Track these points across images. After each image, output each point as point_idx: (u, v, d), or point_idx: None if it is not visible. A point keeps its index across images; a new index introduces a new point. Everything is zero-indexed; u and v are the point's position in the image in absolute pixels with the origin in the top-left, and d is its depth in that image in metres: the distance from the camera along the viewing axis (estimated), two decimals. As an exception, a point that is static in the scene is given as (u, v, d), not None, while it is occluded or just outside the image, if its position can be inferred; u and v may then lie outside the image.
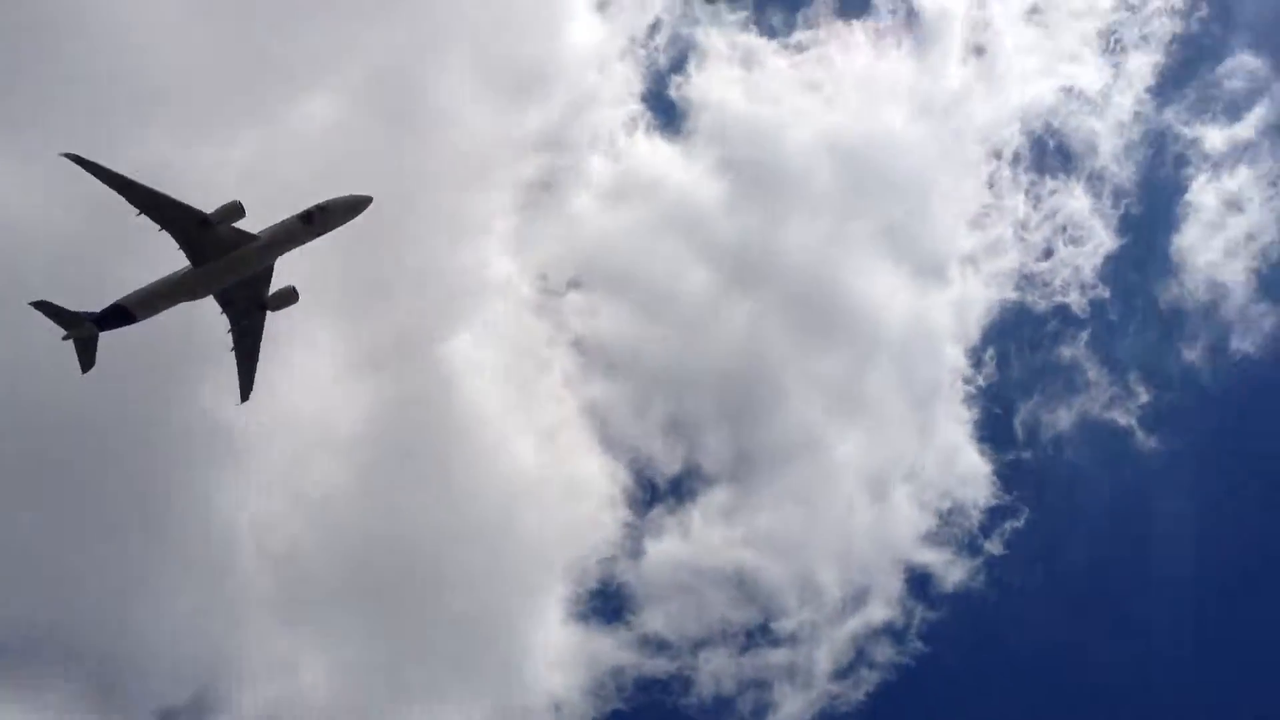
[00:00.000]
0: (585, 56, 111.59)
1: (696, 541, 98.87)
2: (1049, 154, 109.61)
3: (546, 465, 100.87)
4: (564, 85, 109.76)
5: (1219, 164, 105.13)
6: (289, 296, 74.83)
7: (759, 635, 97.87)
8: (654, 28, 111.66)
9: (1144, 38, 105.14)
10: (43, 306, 69.74)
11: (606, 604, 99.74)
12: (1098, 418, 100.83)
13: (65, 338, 70.36)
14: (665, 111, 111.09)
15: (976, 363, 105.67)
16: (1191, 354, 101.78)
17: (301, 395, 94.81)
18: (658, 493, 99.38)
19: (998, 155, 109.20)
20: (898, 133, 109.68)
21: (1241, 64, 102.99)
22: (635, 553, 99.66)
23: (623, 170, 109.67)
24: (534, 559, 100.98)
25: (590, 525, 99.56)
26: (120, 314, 70.83)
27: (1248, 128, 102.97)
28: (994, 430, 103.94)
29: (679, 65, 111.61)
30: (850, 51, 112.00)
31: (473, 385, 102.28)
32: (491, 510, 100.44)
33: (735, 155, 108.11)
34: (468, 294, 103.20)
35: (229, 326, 73.70)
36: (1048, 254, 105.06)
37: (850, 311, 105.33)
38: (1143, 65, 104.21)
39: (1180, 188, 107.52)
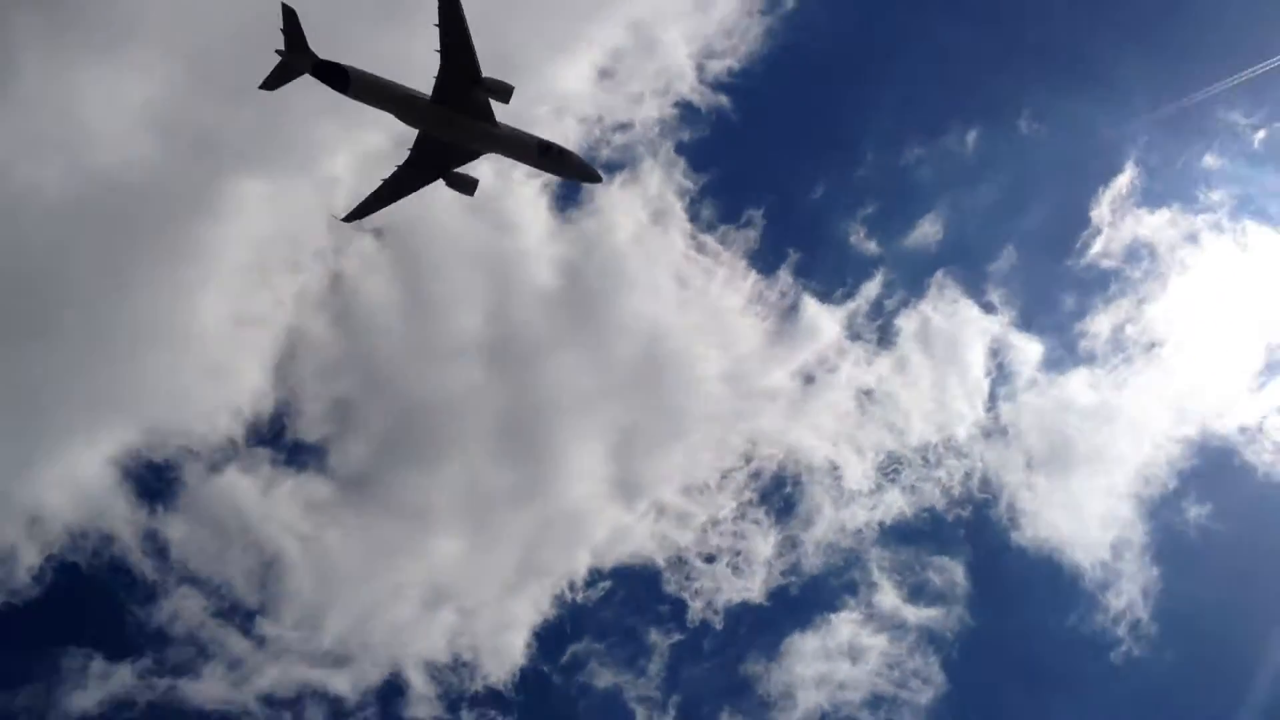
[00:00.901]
0: None
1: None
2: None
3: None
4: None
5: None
6: (468, 185, 72.71)
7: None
8: None
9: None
10: (290, 15, 64.44)
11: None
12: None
13: (279, 52, 65.56)
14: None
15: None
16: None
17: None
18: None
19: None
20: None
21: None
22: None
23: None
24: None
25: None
26: (339, 76, 66.73)
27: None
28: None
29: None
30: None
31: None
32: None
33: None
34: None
35: (404, 160, 71.92)
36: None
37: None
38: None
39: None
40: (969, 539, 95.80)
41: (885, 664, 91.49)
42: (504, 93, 67.58)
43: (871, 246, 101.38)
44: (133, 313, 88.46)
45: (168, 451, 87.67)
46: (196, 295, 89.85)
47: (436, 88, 67.29)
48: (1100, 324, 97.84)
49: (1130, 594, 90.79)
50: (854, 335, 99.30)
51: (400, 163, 71.92)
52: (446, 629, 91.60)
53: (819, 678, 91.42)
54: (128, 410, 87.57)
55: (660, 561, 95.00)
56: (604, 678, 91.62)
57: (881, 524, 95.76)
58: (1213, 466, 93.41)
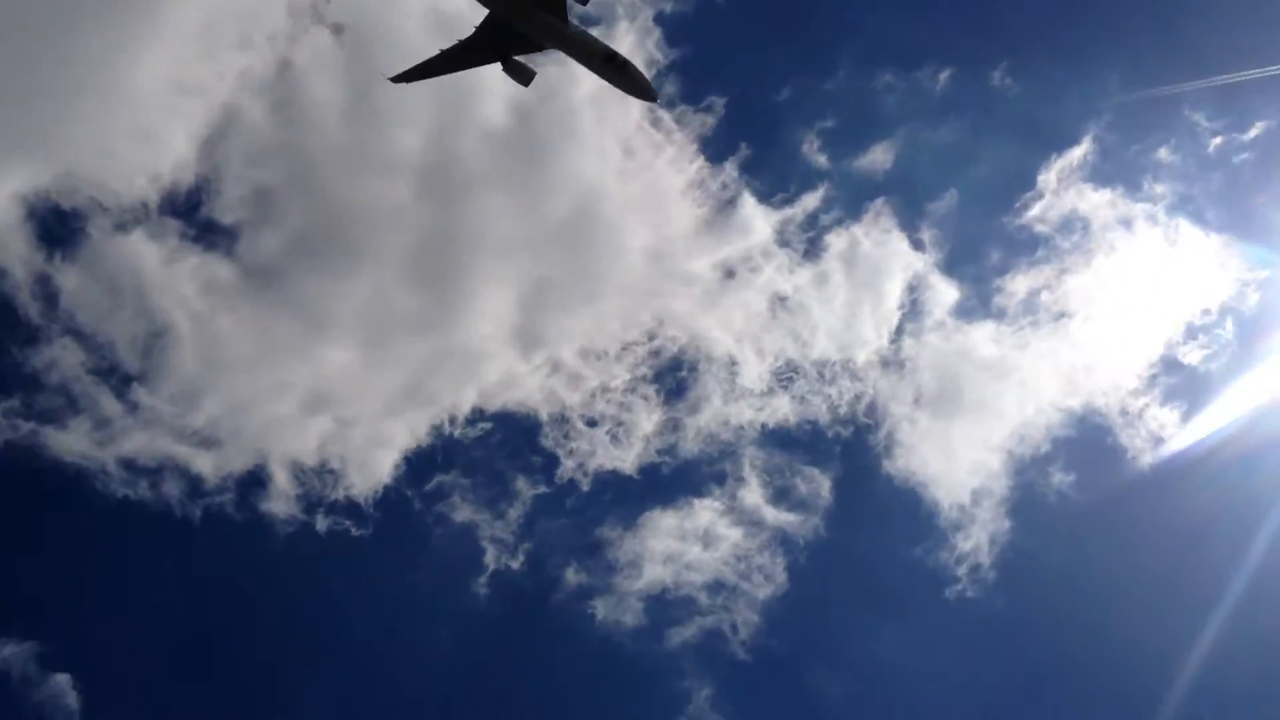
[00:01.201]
0: None
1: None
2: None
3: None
4: None
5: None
6: (524, 75, 72.30)
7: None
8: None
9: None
10: None
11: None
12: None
13: None
14: None
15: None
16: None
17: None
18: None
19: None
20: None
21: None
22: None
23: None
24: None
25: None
26: None
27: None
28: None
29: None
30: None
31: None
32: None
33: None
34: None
35: (468, 35, 71.30)
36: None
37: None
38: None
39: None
40: (842, 458, 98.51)
41: (735, 555, 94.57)
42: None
43: (821, 160, 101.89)
44: (70, 56, 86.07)
45: (77, 200, 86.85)
46: (138, 52, 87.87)
47: None
48: (1019, 284, 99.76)
49: (978, 540, 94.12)
50: (783, 242, 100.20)
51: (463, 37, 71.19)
52: (320, 435, 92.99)
53: (669, 555, 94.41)
54: (46, 151, 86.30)
55: (544, 415, 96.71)
56: (463, 513, 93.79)
57: (764, 426, 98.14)
58: (1086, 441, 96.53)
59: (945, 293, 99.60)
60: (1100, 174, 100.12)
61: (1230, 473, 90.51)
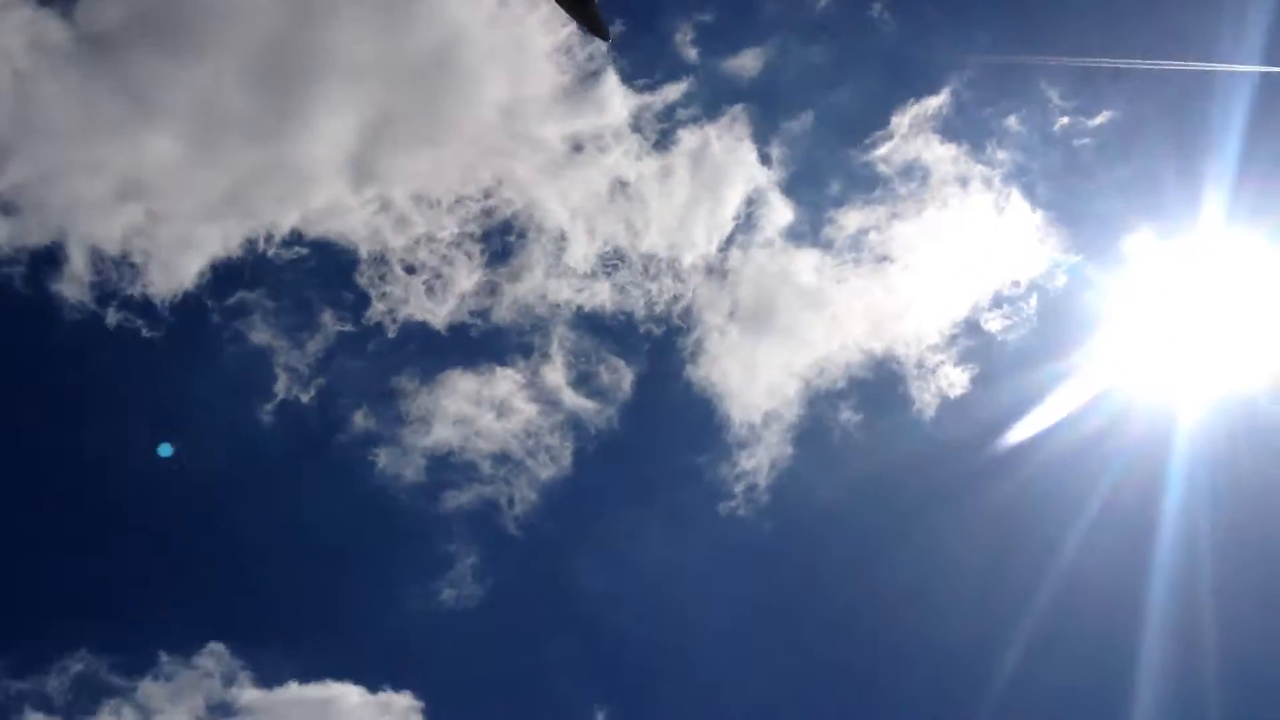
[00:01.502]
0: None
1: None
2: None
3: None
4: None
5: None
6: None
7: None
8: None
9: None
10: None
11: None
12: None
13: None
14: None
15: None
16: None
17: None
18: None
19: None
20: None
21: None
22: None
23: None
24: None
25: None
26: None
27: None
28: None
29: None
30: None
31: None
32: None
33: None
34: None
35: None
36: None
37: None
38: None
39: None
40: (649, 355, 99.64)
41: (525, 431, 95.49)
42: None
43: (691, 54, 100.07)
44: None
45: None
46: None
47: None
48: (851, 220, 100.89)
49: (760, 461, 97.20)
50: (637, 127, 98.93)
51: None
52: (128, 224, 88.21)
53: (461, 417, 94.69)
54: None
55: (363, 253, 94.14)
56: (260, 335, 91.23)
57: (580, 308, 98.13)
58: (880, 385, 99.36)
59: (781, 213, 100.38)
60: (950, 128, 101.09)
61: (999, 443, 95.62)
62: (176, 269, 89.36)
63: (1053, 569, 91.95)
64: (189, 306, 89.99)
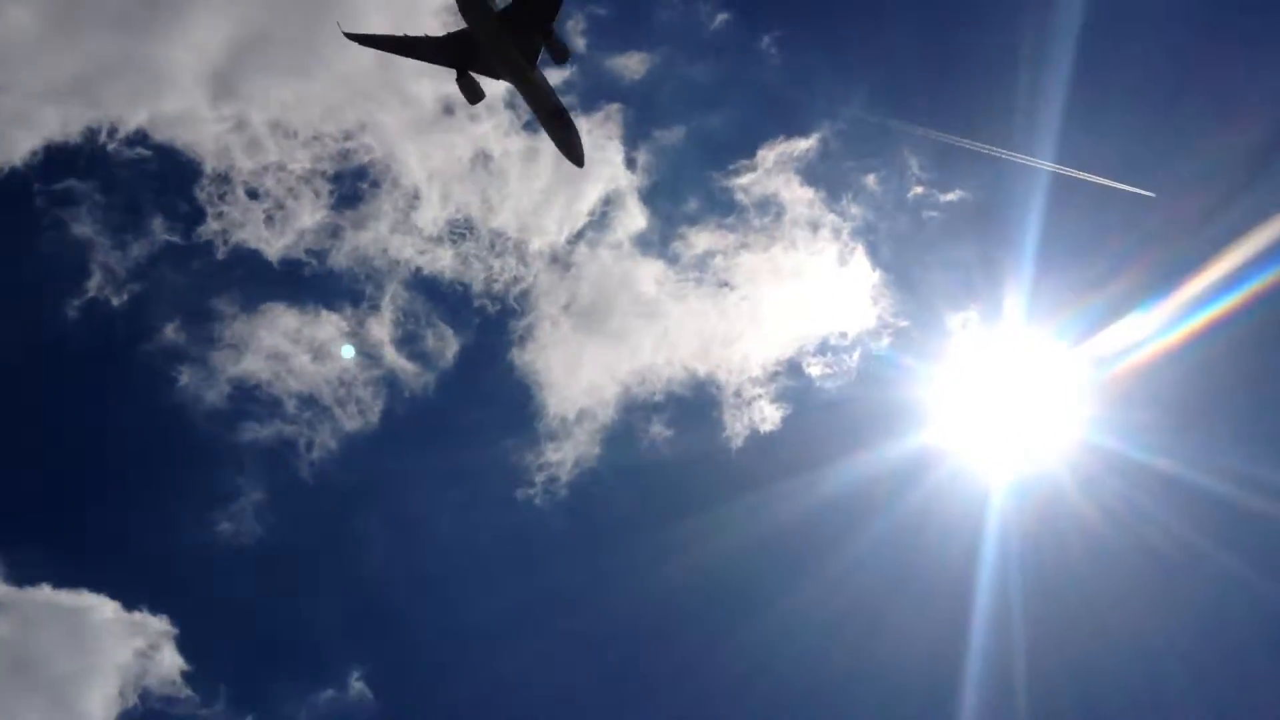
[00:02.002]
0: None
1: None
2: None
3: None
4: None
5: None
6: (474, 93, 69.72)
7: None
8: None
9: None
10: None
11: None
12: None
13: None
14: None
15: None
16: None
17: None
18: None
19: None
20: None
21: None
22: None
23: None
24: None
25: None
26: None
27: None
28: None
29: None
30: None
31: None
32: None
33: None
34: None
35: (438, 35, 68.63)
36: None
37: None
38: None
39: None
40: (479, 329, 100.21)
41: (340, 379, 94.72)
42: (562, 55, 68.30)
43: (579, 43, 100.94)
44: None
45: None
46: None
47: (507, 8, 65.73)
48: (700, 240, 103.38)
49: (566, 456, 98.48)
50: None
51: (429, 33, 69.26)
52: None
53: (276, 352, 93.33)
54: None
55: (208, 168, 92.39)
56: (85, 228, 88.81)
57: (419, 269, 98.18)
58: (696, 405, 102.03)
59: (635, 219, 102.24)
60: (812, 173, 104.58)
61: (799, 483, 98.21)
62: (8, 143, 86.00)
63: (838, 600, 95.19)
64: (13, 183, 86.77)
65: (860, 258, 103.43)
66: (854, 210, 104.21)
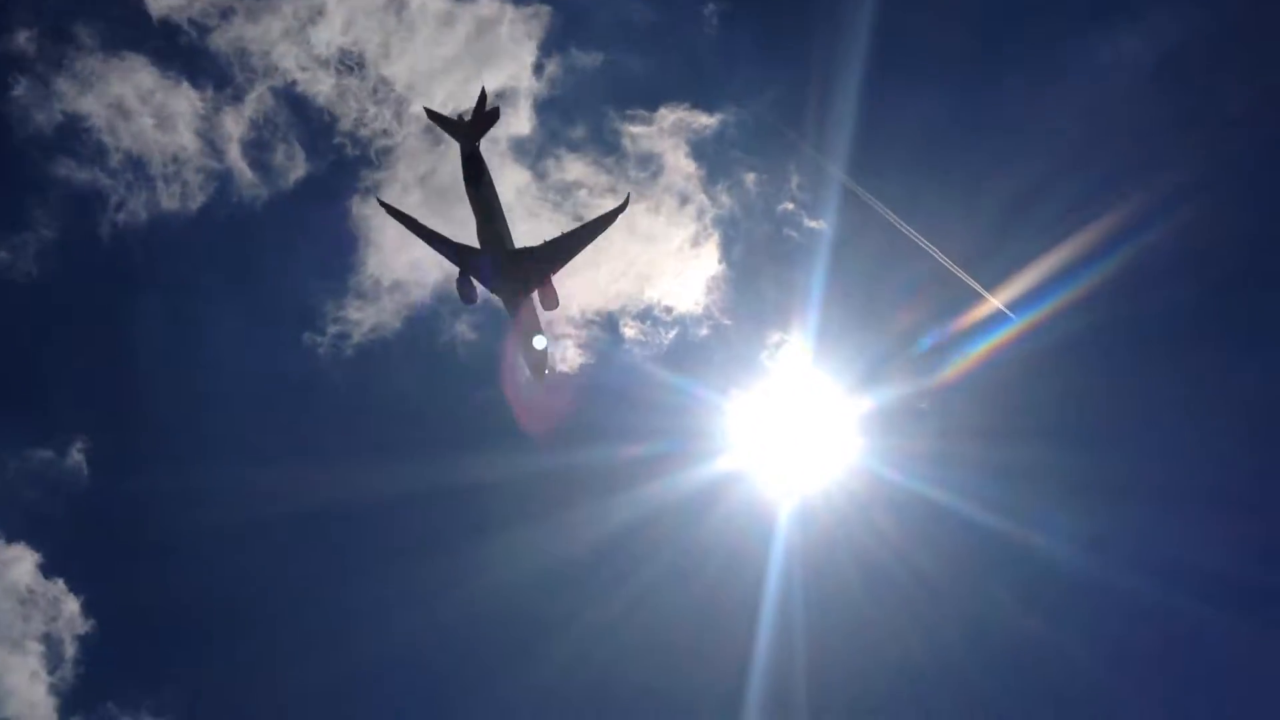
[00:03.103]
0: None
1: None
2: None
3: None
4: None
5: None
6: (467, 294, 73.57)
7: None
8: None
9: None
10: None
11: None
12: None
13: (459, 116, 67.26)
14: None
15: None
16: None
17: None
18: None
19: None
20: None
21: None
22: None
23: None
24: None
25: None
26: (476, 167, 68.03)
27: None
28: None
29: None
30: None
31: None
32: None
33: None
34: None
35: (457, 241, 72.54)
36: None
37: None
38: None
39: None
40: (330, 166, 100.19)
41: (175, 156, 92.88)
42: (552, 303, 73.37)
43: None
44: None
45: None
46: None
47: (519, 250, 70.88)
48: (574, 169, 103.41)
49: (365, 320, 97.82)
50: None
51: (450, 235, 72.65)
52: None
53: (122, 105, 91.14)
54: None
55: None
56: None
57: (294, 83, 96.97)
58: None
59: (521, 122, 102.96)
60: (701, 149, 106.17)
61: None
62: None
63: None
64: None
65: (713, 246, 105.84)
66: (725, 200, 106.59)
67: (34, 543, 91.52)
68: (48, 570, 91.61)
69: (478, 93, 66.15)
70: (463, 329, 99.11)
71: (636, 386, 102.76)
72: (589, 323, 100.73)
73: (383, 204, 73.57)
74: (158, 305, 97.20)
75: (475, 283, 73.32)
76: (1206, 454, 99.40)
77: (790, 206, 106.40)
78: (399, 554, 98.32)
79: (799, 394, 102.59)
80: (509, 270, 72.02)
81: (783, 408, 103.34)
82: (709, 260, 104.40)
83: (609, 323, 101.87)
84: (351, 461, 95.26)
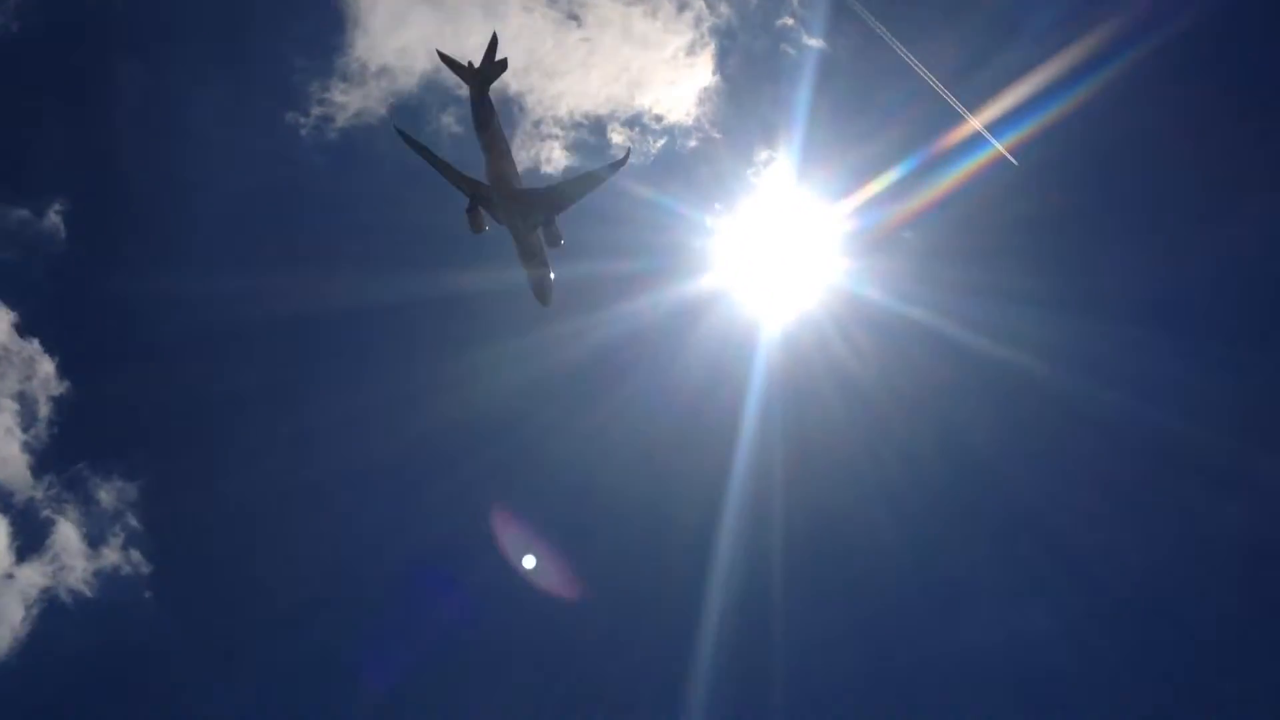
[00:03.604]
0: None
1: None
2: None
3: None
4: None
5: None
6: (475, 222, 73.23)
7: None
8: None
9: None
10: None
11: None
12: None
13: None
14: None
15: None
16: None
17: None
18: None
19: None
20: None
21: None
22: None
23: None
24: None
25: None
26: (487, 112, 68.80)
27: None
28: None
29: None
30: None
31: None
32: None
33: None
34: None
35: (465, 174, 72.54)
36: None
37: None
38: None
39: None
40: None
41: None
42: (554, 241, 74.08)
43: None
44: None
45: None
46: None
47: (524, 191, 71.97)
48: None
49: (351, 104, 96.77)
50: None
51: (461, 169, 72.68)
52: None
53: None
54: None
55: None
56: None
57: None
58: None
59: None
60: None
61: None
62: None
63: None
64: None
65: (708, 56, 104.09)
66: (724, 10, 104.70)
67: (10, 300, 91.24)
68: (23, 330, 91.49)
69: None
70: (448, 121, 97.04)
71: (617, 198, 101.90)
72: (576, 125, 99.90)
73: (400, 132, 72.93)
74: (137, 69, 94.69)
75: (484, 212, 74.09)
76: (1180, 274, 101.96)
77: (790, 22, 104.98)
78: (378, 357, 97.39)
79: (784, 213, 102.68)
80: (514, 208, 72.77)
81: (767, 227, 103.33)
82: (703, 71, 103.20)
83: (597, 127, 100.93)
84: (330, 254, 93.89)
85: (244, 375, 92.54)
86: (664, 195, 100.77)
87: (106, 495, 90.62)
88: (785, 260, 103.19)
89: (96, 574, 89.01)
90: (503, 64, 66.95)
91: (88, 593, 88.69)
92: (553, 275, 77.55)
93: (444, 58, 67.70)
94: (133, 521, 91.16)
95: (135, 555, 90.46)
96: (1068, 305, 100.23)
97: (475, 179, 72.66)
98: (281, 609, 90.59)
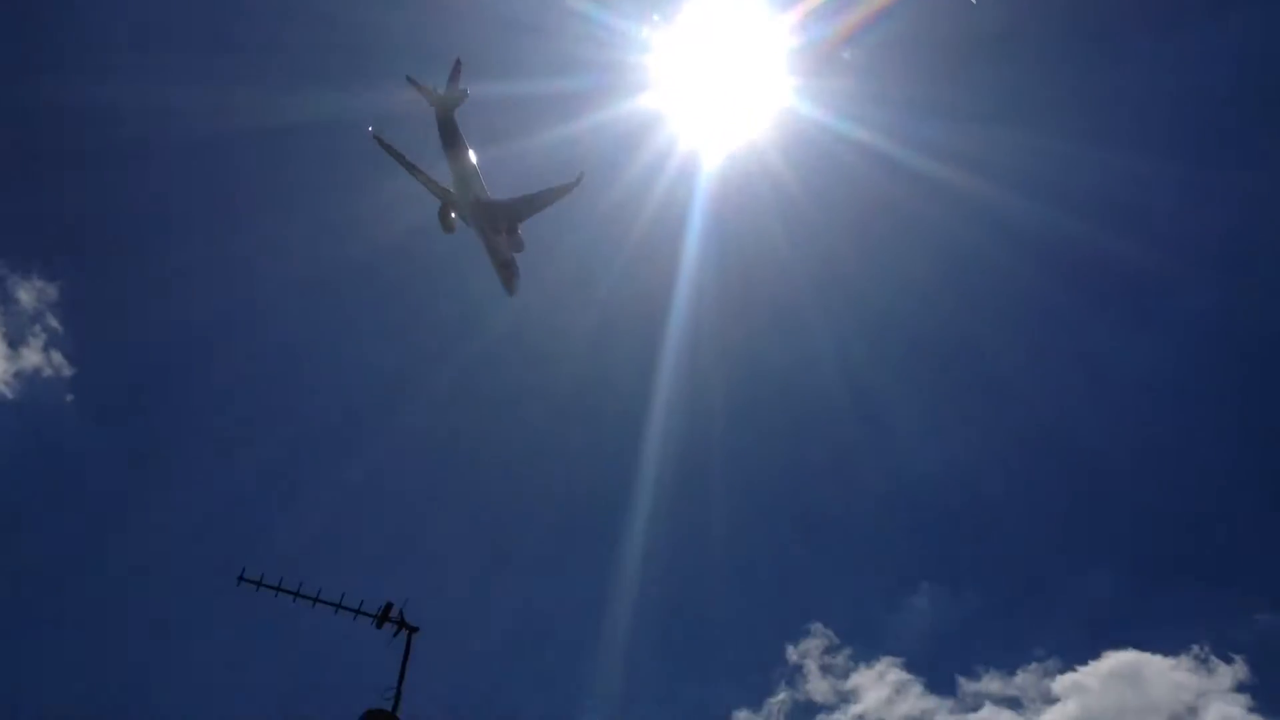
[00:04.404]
0: None
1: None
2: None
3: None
4: None
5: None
6: (445, 223, 78.32)
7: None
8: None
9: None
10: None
11: None
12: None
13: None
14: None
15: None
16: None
17: None
18: None
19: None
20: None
21: None
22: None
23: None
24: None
25: None
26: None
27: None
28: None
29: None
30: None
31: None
32: None
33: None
34: None
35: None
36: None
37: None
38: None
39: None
40: None
41: None
42: (518, 245, 78.40)
43: None
44: None
45: None
46: None
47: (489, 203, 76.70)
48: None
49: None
50: None
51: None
52: None
53: None
54: None
55: None
56: None
57: None
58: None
59: None
60: None
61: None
62: None
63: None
64: None
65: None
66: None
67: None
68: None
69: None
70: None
71: (545, 10, 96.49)
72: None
73: (376, 138, 75.65)
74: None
75: (454, 215, 78.42)
76: (1123, 89, 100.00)
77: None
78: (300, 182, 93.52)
79: (725, 26, 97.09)
80: (480, 216, 77.38)
81: (708, 41, 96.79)
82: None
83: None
84: (263, 68, 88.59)
85: (173, 188, 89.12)
86: (597, 7, 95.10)
87: (26, 295, 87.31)
88: (727, 79, 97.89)
89: (17, 375, 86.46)
90: (464, 92, 72.02)
91: (8, 394, 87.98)
92: (519, 269, 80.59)
93: (412, 82, 71.86)
94: (54, 322, 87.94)
95: (57, 357, 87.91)
96: (1014, 119, 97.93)
97: (446, 187, 77.32)
98: (206, 416, 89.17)
